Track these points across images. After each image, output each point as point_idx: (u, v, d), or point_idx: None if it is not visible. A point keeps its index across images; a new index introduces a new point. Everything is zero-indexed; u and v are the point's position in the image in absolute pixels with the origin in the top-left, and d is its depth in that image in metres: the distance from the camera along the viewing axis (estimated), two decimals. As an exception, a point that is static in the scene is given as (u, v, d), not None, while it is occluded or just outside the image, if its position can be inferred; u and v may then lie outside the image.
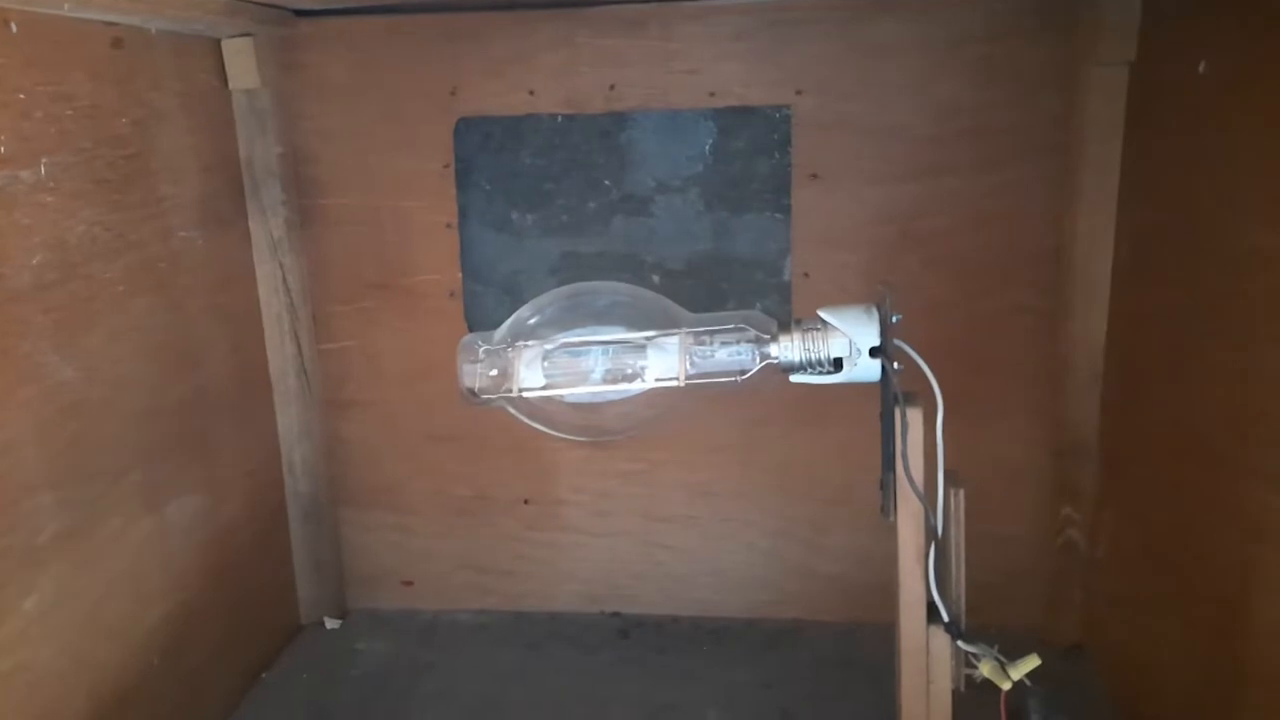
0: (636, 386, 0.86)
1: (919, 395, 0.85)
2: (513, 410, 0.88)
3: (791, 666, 1.28)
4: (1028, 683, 0.83)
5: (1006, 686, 0.82)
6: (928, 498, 0.84)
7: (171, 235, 1.10)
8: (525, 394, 0.86)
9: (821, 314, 0.84)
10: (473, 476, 1.40)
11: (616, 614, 1.41)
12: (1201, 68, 0.91)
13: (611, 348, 0.86)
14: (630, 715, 1.20)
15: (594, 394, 0.86)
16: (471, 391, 0.87)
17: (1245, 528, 0.90)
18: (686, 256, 1.29)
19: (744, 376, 0.86)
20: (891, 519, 0.85)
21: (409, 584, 1.44)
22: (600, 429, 0.94)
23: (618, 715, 1.20)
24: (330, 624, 1.40)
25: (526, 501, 1.40)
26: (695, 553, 1.40)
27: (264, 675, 1.29)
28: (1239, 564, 0.90)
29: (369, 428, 1.39)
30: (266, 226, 1.26)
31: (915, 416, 0.84)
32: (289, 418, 1.33)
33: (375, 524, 1.43)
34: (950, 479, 0.88)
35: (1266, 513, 0.86)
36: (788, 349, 0.85)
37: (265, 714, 1.21)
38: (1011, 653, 0.84)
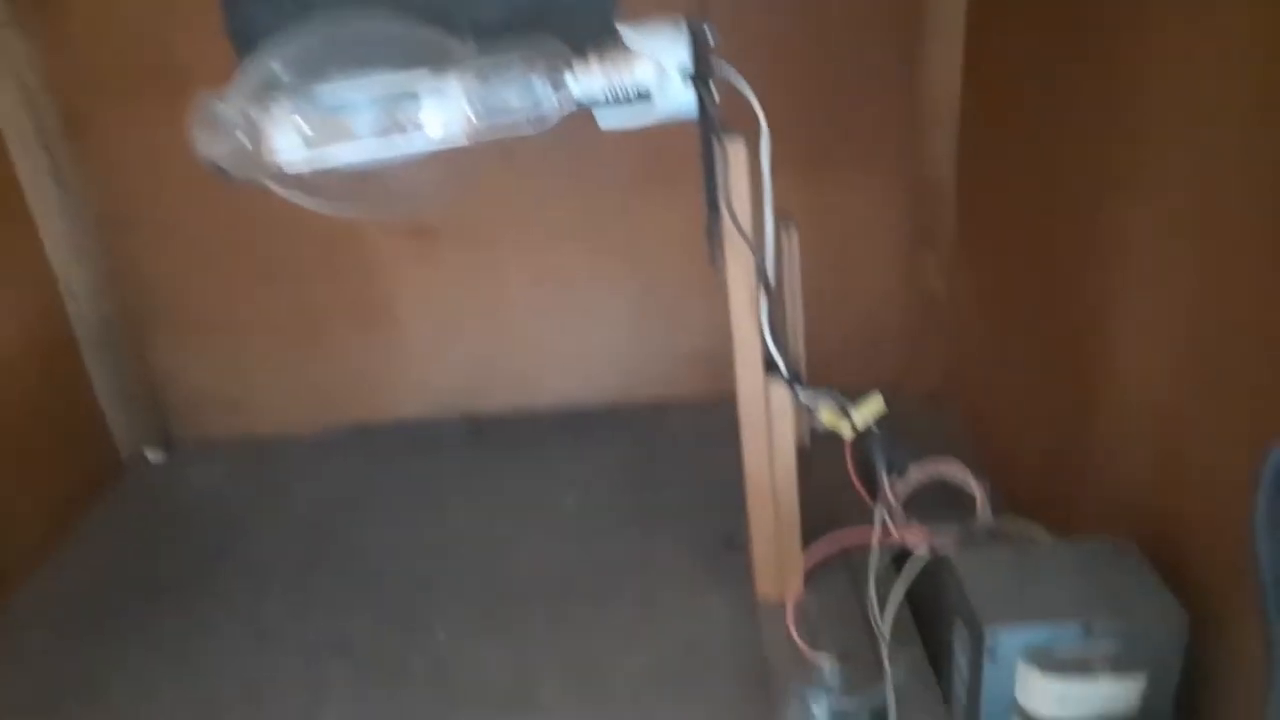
0: (416, 140, 0.73)
1: (747, 131, 0.75)
2: (273, 185, 0.74)
3: (653, 448, 1.24)
4: (876, 430, 0.79)
5: (849, 434, 0.77)
6: (757, 241, 0.76)
7: None
8: (282, 163, 0.73)
9: (621, 30, 0.71)
10: (293, 285, 1.26)
11: (469, 416, 1.33)
12: None
13: (380, 97, 0.72)
14: (484, 514, 1.14)
15: (364, 154, 0.73)
16: (216, 165, 0.73)
17: (1108, 243, 0.85)
18: (502, 7, 1.12)
19: (544, 120, 0.74)
20: (719, 265, 0.77)
21: (235, 406, 1.32)
22: (385, 199, 0.81)
23: (472, 516, 1.14)
24: (153, 457, 1.28)
25: (355, 306, 1.27)
26: (548, 344, 1.31)
27: (81, 519, 1.17)
28: (1098, 287, 0.86)
29: (162, 241, 1.22)
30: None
31: (738, 151, 0.74)
32: (54, 237, 1.15)
33: (191, 347, 1.29)
34: (783, 221, 0.79)
35: (1128, 225, 0.81)
36: (588, 80, 0.72)
37: (85, 555, 1.11)
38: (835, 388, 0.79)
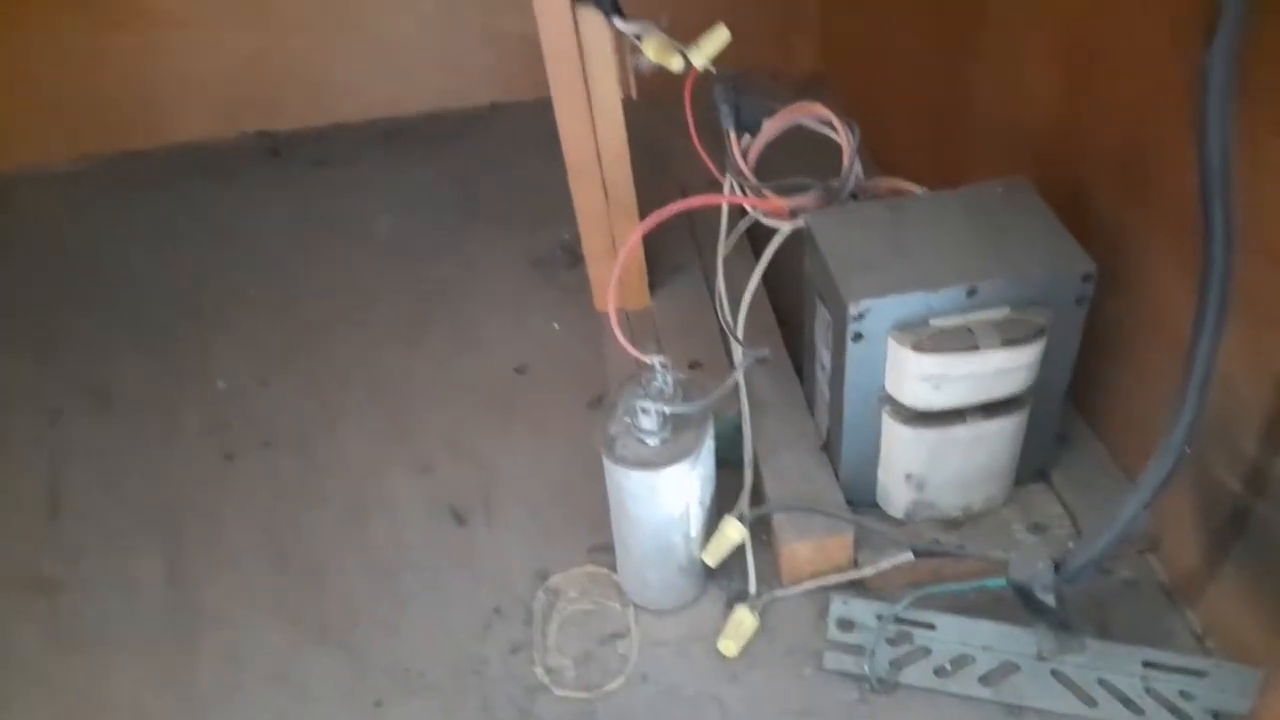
0: None
1: None
2: None
3: (479, 158, 1.05)
4: (713, 69, 0.61)
5: (678, 67, 0.59)
6: None
7: None
8: None
9: None
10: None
11: (264, 133, 1.10)
12: None
13: None
14: (288, 238, 0.95)
15: None
16: None
17: None
18: None
19: None
20: None
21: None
22: None
23: (274, 241, 0.95)
24: None
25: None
26: (359, 45, 1.07)
27: None
28: None
29: None
30: None
31: None
32: None
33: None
34: None
35: None
36: None
37: None
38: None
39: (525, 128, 1.05)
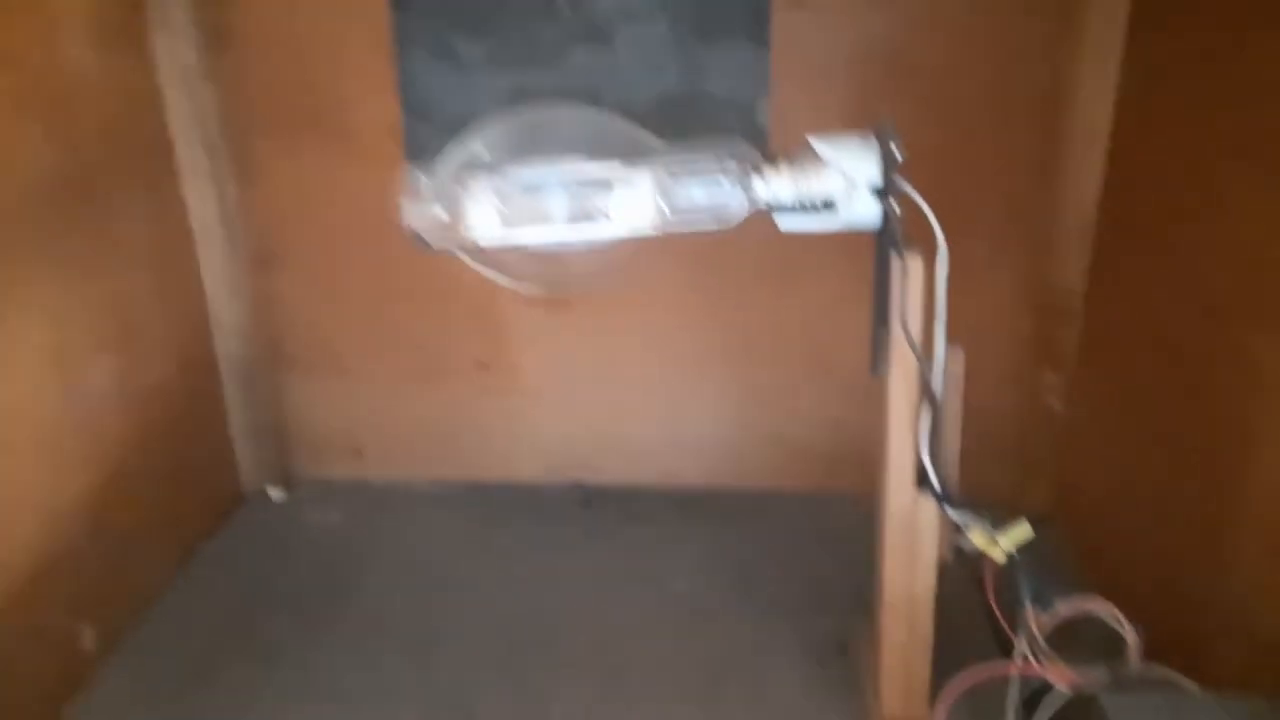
0: (605, 229, 0.75)
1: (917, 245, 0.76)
2: (464, 256, 0.77)
3: (760, 538, 1.24)
4: (1018, 557, 0.78)
5: (1000, 558, 0.76)
6: (926, 356, 0.77)
7: (58, 52, 0.94)
8: (477, 238, 0.76)
9: (813, 142, 0.73)
10: (423, 337, 1.30)
11: (578, 484, 1.35)
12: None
13: (574, 184, 0.75)
14: (595, 587, 1.15)
15: (555, 237, 0.76)
16: (418, 235, 0.76)
17: (1240, 378, 0.84)
18: (652, 94, 1.16)
19: (729, 219, 0.76)
20: (882, 375, 0.78)
21: (359, 452, 1.35)
22: (562, 278, 0.84)
23: (582, 587, 1.15)
24: (275, 494, 1.32)
25: (483, 365, 1.30)
26: (660, 419, 1.33)
27: (202, 548, 1.21)
28: (1231, 416, 0.85)
29: (307, 283, 1.27)
30: (174, 47, 1.10)
31: (915, 266, 0.75)
32: (214, 271, 1.21)
33: (321, 389, 1.33)
34: (951, 340, 0.80)
35: (1259, 364, 0.80)
36: (776, 185, 0.75)
37: (203, 589, 1.14)
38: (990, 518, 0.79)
39: (798, 518, 1.25)
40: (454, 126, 1.17)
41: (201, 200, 1.17)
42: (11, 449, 0.89)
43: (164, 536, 1.15)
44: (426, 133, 1.18)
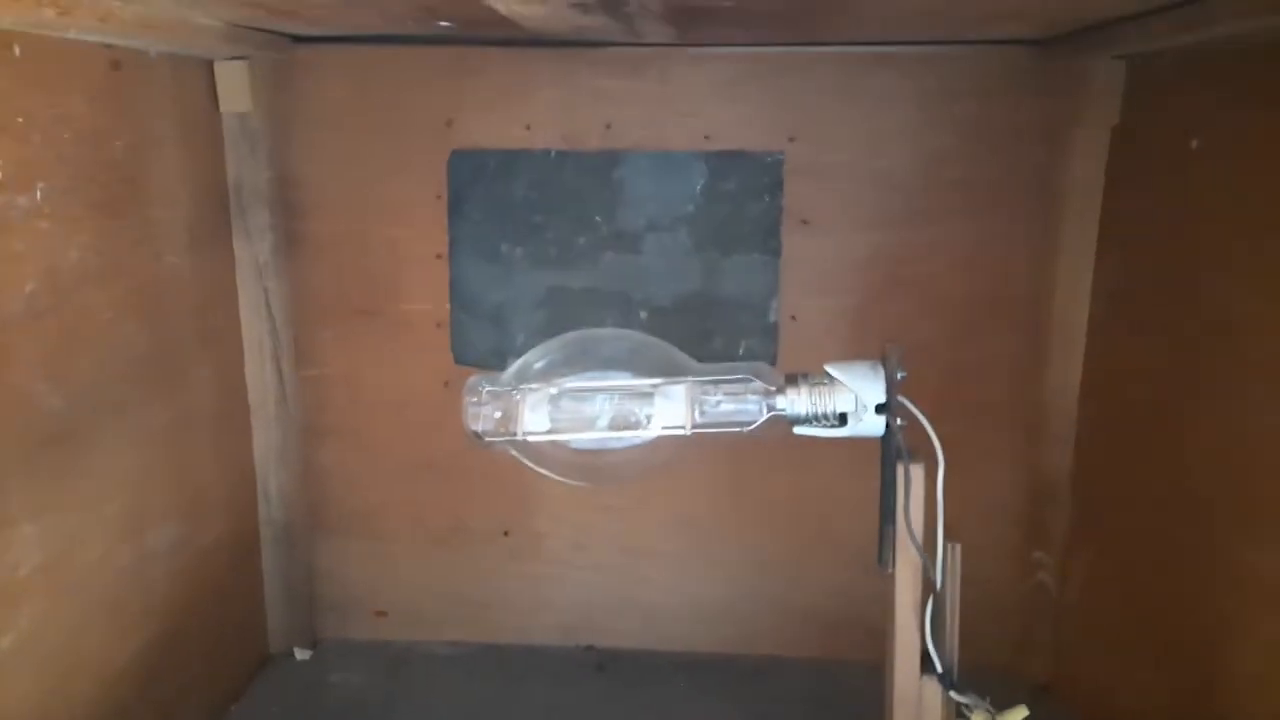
0: (643, 434, 0.86)
1: (919, 450, 0.87)
2: (516, 453, 0.88)
3: (769, 702, 1.29)
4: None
5: (1000, 746, 0.83)
6: (926, 551, 0.86)
7: (160, 259, 1.07)
8: (530, 438, 0.86)
9: (828, 369, 0.85)
10: (451, 506, 1.39)
11: (591, 648, 1.41)
12: (1195, 144, 0.95)
13: (617, 394, 0.86)
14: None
15: (599, 440, 0.86)
16: (476, 434, 0.86)
17: (1226, 582, 0.93)
18: (674, 295, 1.30)
19: (750, 428, 0.87)
20: (890, 570, 0.87)
21: (382, 614, 1.42)
22: (602, 474, 0.94)
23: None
24: (300, 654, 1.37)
25: (506, 533, 1.39)
26: (673, 587, 1.40)
27: (232, 708, 1.26)
28: (1218, 617, 0.94)
29: (347, 455, 1.37)
30: (252, 250, 1.24)
31: (918, 473, 0.85)
32: (266, 443, 1.31)
33: (350, 553, 1.41)
34: (948, 534, 0.89)
35: (1249, 569, 0.90)
36: (795, 402, 0.86)
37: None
38: (990, 696, 0.86)
39: (805, 686, 1.32)
40: (494, 318, 1.32)
41: (260, 378, 1.28)
42: (80, 615, 0.96)
43: (201, 698, 1.20)
44: (468, 323, 1.31)
